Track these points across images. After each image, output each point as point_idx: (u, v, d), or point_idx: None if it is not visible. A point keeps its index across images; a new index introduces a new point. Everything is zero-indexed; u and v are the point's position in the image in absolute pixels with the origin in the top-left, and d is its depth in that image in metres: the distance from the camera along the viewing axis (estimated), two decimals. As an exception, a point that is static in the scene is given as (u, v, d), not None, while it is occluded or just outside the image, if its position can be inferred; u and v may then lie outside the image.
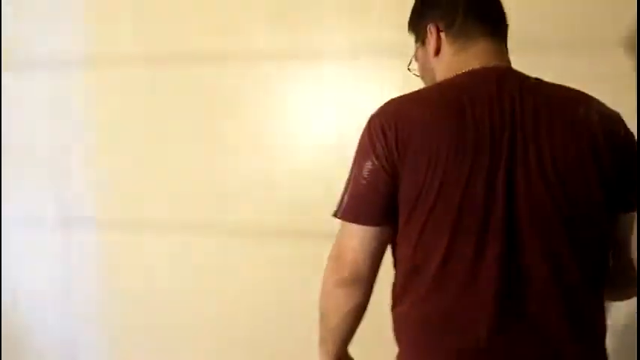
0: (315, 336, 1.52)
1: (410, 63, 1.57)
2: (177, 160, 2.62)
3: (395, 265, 1.38)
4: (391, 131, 1.26)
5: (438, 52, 1.42)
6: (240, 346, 2.63)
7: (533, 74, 1.37)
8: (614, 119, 1.34)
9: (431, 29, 1.43)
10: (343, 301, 1.37)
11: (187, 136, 2.60)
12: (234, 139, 2.55)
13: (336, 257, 1.36)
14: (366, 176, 1.28)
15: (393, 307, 1.38)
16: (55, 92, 2.75)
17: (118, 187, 2.69)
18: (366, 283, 1.35)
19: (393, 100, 1.36)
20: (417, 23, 1.50)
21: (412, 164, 1.25)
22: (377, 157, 1.27)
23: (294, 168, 2.49)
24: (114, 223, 2.73)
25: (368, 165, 1.28)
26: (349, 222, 1.31)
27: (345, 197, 1.32)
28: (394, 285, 1.38)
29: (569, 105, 1.31)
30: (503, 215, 1.22)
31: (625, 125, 1.34)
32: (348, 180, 1.33)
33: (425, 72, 1.50)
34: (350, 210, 1.31)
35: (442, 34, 1.41)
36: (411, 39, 1.56)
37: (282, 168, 2.51)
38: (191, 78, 2.58)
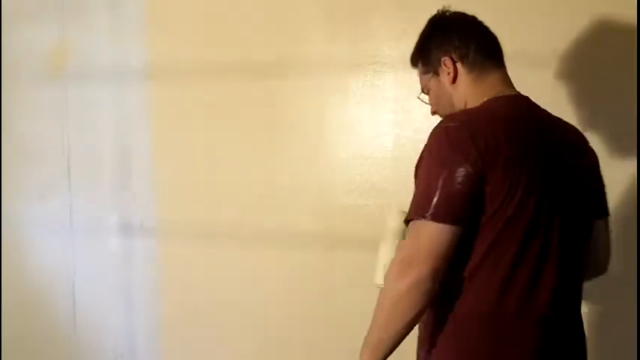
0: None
1: (420, 93, 1.76)
2: (236, 170, 2.66)
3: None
4: (480, 140, 1.39)
5: (454, 81, 1.61)
6: (300, 353, 2.65)
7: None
8: (586, 140, 1.64)
9: (446, 62, 1.61)
10: (420, 300, 1.40)
11: (246, 146, 2.64)
12: (293, 149, 2.58)
13: (413, 255, 1.39)
14: (460, 181, 1.37)
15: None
16: (117, 102, 2.85)
17: (178, 195, 2.76)
18: (438, 279, 1.39)
19: (460, 113, 1.54)
20: (427, 56, 1.68)
21: (499, 172, 1.38)
22: (470, 165, 1.37)
23: (351, 179, 2.50)
24: (173, 231, 2.79)
25: (462, 170, 1.37)
26: (439, 222, 1.37)
27: (435, 199, 1.37)
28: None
29: (570, 129, 1.61)
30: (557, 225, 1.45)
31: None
32: (431, 183, 1.40)
33: (439, 99, 1.68)
34: (441, 211, 1.37)
35: (458, 65, 1.60)
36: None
37: (340, 179, 2.52)
38: (250, 89, 2.61)
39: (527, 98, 1.58)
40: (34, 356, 3.08)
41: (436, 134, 1.47)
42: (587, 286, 2.07)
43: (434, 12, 2.28)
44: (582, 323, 1.60)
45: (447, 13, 1.68)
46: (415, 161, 2.28)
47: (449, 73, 1.61)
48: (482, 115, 1.48)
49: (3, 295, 3.11)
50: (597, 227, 1.64)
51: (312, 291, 2.59)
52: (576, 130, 1.63)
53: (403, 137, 2.42)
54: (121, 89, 2.84)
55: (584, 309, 1.96)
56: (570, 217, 1.48)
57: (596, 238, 1.64)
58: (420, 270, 1.37)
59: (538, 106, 1.58)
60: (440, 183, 1.39)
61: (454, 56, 1.60)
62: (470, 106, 1.57)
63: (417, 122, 2.39)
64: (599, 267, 1.72)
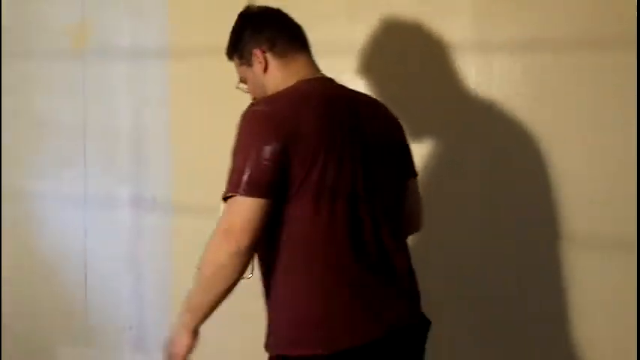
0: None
1: (238, 83, 1.92)
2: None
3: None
4: (284, 121, 1.58)
5: (265, 70, 1.80)
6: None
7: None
8: (389, 111, 1.86)
9: (257, 53, 1.80)
10: (238, 269, 1.57)
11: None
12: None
13: (230, 228, 1.55)
14: (267, 157, 1.54)
15: None
16: (136, 79, 2.90)
17: (192, 172, 2.81)
18: (251, 249, 1.57)
19: (268, 97, 1.73)
20: (240, 50, 1.85)
21: (303, 148, 1.56)
22: (277, 142, 1.54)
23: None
24: (188, 207, 2.84)
25: (268, 149, 1.54)
26: (250, 197, 1.53)
27: (245, 176, 1.54)
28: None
29: (374, 103, 1.86)
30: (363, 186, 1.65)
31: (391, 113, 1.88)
32: (242, 162, 1.56)
33: (256, 87, 1.85)
34: (253, 185, 1.54)
35: (267, 55, 1.79)
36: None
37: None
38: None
39: (331, 79, 1.79)
40: (45, 327, 3.16)
41: (245, 117, 1.63)
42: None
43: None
44: (400, 271, 1.74)
45: (255, 9, 1.88)
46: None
47: (260, 63, 1.80)
48: (287, 96, 1.67)
49: (16, 265, 3.19)
50: (409, 186, 1.91)
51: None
52: (380, 103, 1.86)
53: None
54: (140, 66, 2.89)
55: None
56: (380, 177, 1.71)
57: (409, 195, 1.90)
58: (240, 239, 1.53)
59: (343, 86, 1.80)
60: (249, 161, 1.55)
61: (264, 47, 1.79)
62: (280, 89, 1.73)
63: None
64: (414, 222, 1.97)
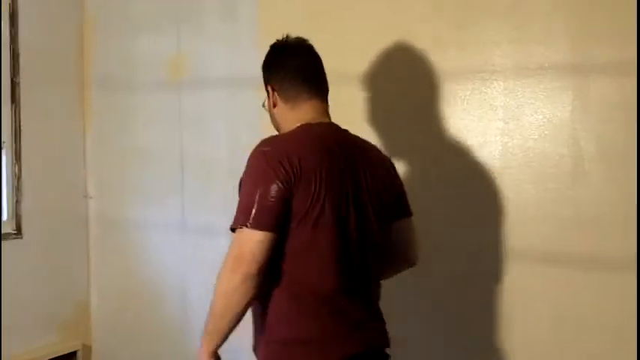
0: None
1: (264, 102, 2.05)
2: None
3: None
4: (288, 162, 1.74)
5: (274, 105, 1.98)
6: None
7: None
8: (385, 156, 2.06)
9: (269, 89, 1.98)
10: (249, 293, 1.73)
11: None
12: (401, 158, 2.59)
13: (239, 257, 1.72)
14: (274, 194, 1.72)
15: None
16: (230, 108, 2.98)
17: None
18: (260, 276, 1.72)
19: (274, 139, 1.87)
20: (263, 78, 2.02)
21: (304, 187, 1.74)
22: (281, 182, 1.72)
23: (456, 190, 2.53)
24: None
25: (274, 187, 1.72)
26: (257, 230, 1.71)
27: (254, 211, 1.71)
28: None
29: (370, 148, 2.00)
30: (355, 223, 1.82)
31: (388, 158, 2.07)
32: (251, 198, 1.73)
33: (270, 116, 2.03)
34: (261, 219, 1.71)
35: (276, 94, 1.96)
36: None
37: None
38: (355, 94, 2.68)
39: (333, 125, 1.94)
40: (144, 354, 3.28)
41: (254, 156, 1.81)
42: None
43: (547, 19, 2.33)
44: (374, 302, 1.95)
45: (285, 43, 2.00)
46: (524, 170, 2.31)
47: (270, 98, 1.99)
48: (292, 139, 1.84)
49: (114, 291, 3.33)
50: (400, 226, 2.02)
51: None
52: (375, 148, 2.04)
53: (512, 146, 2.42)
54: (234, 96, 2.97)
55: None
56: (370, 217, 1.87)
57: (402, 233, 2.04)
58: (248, 267, 1.70)
59: (346, 132, 1.95)
60: (257, 197, 1.73)
61: (274, 85, 1.97)
62: (285, 128, 1.93)
63: (527, 130, 2.40)
64: (405, 259, 2.10)
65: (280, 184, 1.73)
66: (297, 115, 1.93)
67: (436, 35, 2.54)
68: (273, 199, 1.72)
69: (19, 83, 3.12)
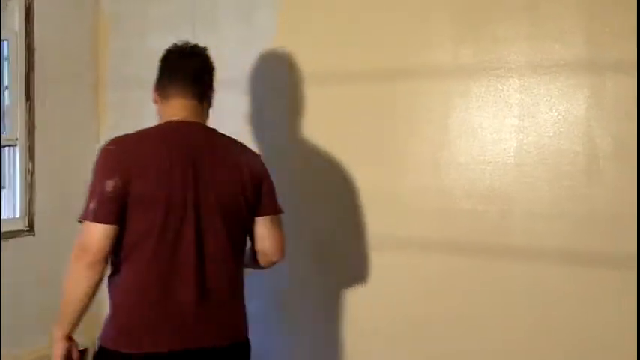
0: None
1: None
2: (357, 172, 2.78)
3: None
4: (125, 158, 1.94)
5: (155, 102, 2.17)
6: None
7: None
8: (256, 160, 2.18)
9: (153, 87, 2.18)
10: (91, 279, 1.92)
11: (368, 148, 2.75)
12: (414, 152, 2.66)
13: (82, 247, 1.91)
14: (110, 190, 1.90)
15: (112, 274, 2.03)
16: (243, 109, 3.02)
17: (299, 195, 2.90)
18: (105, 264, 1.94)
19: (121, 137, 2.03)
20: None
21: (141, 181, 1.92)
22: (118, 178, 1.90)
23: (472, 184, 2.55)
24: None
25: (111, 182, 1.90)
26: (97, 222, 1.90)
27: (91, 205, 1.91)
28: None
29: (231, 150, 2.12)
30: (194, 213, 1.97)
31: (262, 161, 2.20)
32: (93, 193, 1.93)
33: None
34: (100, 213, 1.90)
35: (157, 93, 2.16)
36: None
37: (460, 184, 2.58)
38: (373, 92, 2.72)
39: (196, 124, 2.09)
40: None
41: (100, 154, 1.99)
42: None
43: (562, 16, 2.35)
44: (239, 300, 2.13)
45: (174, 48, 2.19)
46: (539, 167, 2.34)
47: (155, 98, 2.17)
48: (138, 136, 2.03)
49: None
50: (260, 223, 2.16)
51: (435, 295, 2.66)
52: (240, 149, 2.16)
53: (527, 143, 2.44)
54: (251, 96, 3.00)
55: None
56: (211, 213, 2.00)
57: (259, 231, 2.17)
58: (89, 256, 1.89)
59: (205, 131, 2.11)
60: (97, 193, 1.92)
61: (156, 83, 2.17)
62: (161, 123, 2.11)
63: (542, 128, 2.42)
64: (265, 254, 2.20)
65: (117, 181, 1.91)
66: (166, 112, 2.12)
67: (453, 32, 2.57)
68: (110, 195, 1.90)
69: (33, 79, 3.16)
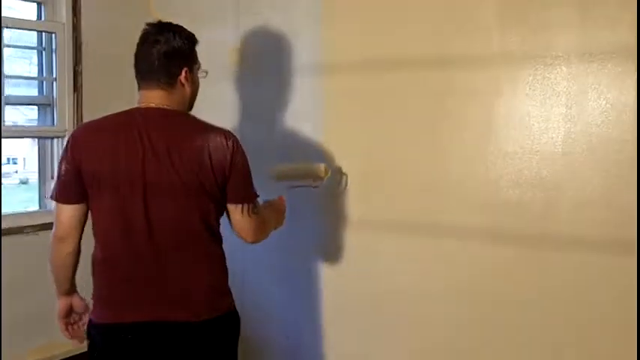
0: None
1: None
2: (404, 161, 2.83)
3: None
4: (75, 144, 2.13)
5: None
6: (437, 348, 2.79)
7: None
8: (224, 147, 2.16)
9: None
10: (61, 251, 2.22)
11: (415, 137, 2.79)
12: (461, 141, 2.69)
13: (54, 224, 2.20)
14: (63, 172, 2.14)
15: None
16: (290, 95, 3.08)
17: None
18: (73, 238, 2.20)
19: (83, 124, 2.36)
20: None
21: (89, 163, 2.10)
22: (68, 162, 2.13)
23: (518, 175, 2.57)
24: (338, 220, 3.02)
25: (63, 166, 2.14)
26: (60, 203, 2.16)
27: (56, 186, 2.17)
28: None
29: (191, 134, 2.15)
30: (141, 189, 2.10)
31: (234, 148, 2.18)
32: (57, 175, 2.19)
33: None
34: (59, 195, 2.16)
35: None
36: None
37: (507, 172, 2.60)
38: (420, 80, 2.76)
39: (159, 109, 2.17)
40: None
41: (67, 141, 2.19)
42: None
43: (610, 3, 2.36)
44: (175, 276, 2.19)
45: (143, 31, 2.24)
46: (587, 156, 2.36)
47: None
48: (97, 122, 2.20)
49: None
50: (229, 209, 2.25)
51: (478, 287, 2.69)
52: (208, 136, 2.16)
53: (575, 132, 2.46)
54: (294, 83, 3.08)
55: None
56: (165, 195, 2.10)
57: (230, 217, 2.26)
58: (56, 230, 2.20)
59: (172, 116, 2.18)
60: (56, 175, 2.19)
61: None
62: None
63: (590, 117, 2.43)
64: (241, 237, 2.31)
65: (68, 164, 2.13)
66: (140, 98, 2.23)
67: (499, 19, 2.58)
68: (64, 177, 2.14)
69: (81, 72, 3.26)
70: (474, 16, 2.64)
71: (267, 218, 2.40)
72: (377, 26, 2.85)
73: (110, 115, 2.20)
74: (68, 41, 3.21)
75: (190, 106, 2.32)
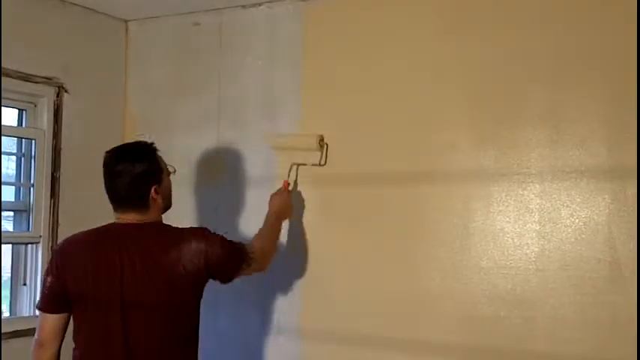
0: None
1: None
2: (380, 274, 2.86)
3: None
4: (60, 260, 2.37)
5: None
6: None
7: None
8: (195, 248, 2.31)
9: None
10: (40, 356, 2.35)
11: (390, 251, 2.85)
12: (436, 255, 2.74)
13: (37, 331, 2.36)
14: (48, 285, 2.35)
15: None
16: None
17: (321, 303, 3.00)
18: (50, 345, 2.35)
19: (68, 238, 2.48)
20: None
21: (73, 278, 2.31)
22: (53, 276, 2.34)
23: (493, 291, 2.62)
24: (317, 339, 3.03)
25: (49, 279, 2.35)
26: (42, 311, 2.35)
27: (40, 297, 2.40)
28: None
29: (165, 246, 2.31)
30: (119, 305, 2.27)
31: (203, 247, 2.33)
32: (42, 287, 2.42)
33: None
34: (43, 304, 2.36)
35: None
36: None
37: (482, 288, 2.65)
38: (396, 195, 2.84)
39: (134, 225, 2.34)
40: None
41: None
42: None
43: (582, 122, 2.47)
44: None
45: (105, 160, 2.41)
46: (561, 274, 2.41)
47: None
48: (78, 237, 2.43)
49: None
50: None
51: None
52: (180, 243, 2.31)
53: (549, 249, 2.52)
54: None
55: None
56: (149, 296, 2.28)
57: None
58: (38, 336, 2.36)
59: (146, 230, 2.34)
60: (42, 285, 2.40)
61: None
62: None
63: (564, 234, 2.51)
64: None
65: (52, 278, 2.35)
66: (116, 215, 2.40)
67: (474, 137, 2.69)
68: (47, 289, 2.36)
69: (59, 178, 3.33)
70: (448, 134, 2.75)
71: (265, 249, 2.65)
72: (354, 143, 2.96)
73: (90, 230, 2.41)
74: (48, 147, 3.28)
75: (167, 206, 2.49)
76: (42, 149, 3.28)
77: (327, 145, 2.99)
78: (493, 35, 2.69)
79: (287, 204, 2.90)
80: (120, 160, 2.36)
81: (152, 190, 2.36)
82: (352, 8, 3.00)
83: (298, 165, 3.03)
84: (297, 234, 3.06)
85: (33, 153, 3.30)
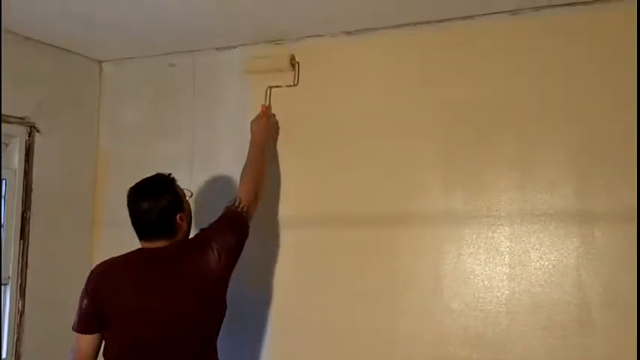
0: None
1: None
2: (352, 317, 2.90)
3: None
4: (95, 282, 2.50)
5: None
6: None
7: None
8: (207, 258, 2.56)
9: None
10: None
11: (361, 294, 2.89)
12: (408, 297, 2.79)
13: (72, 350, 2.48)
14: (84, 307, 2.48)
15: None
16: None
17: (290, 352, 3.03)
18: None
19: (103, 262, 2.59)
20: None
21: (108, 298, 2.46)
22: (89, 297, 2.47)
23: (464, 333, 2.67)
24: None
25: (85, 301, 2.48)
26: (78, 332, 2.46)
27: (75, 318, 2.49)
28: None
29: (183, 261, 2.54)
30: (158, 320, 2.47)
31: (216, 255, 2.56)
32: (78, 308, 2.50)
33: None
34: (79, 326, 2.47)
35: None
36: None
37: (454, 331, 2.69)
38: (366, 239, 2.90)
39: (160, 249, 2.52)
40: None
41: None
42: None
43: (551, 166, 2.54)
44: None
45: (133, 189, 2.59)
46: (531, 316, 2.46)
47: None
48: (114, 261, 2.56)
49: None
50: None
51: None
52: (197, 253, 2.56)
53: (519, 291, 2.58)
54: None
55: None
56: (180, 310, 2.47)
57: None
58: (74, 356, 2.46)
59: (170, 253, 2.53)
60: (79, 308, 2.50)
61: None
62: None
63: (533, 277, 2.57)
64: None
65: (89, 300, 2.47)
66: (143, 243, 2.58)
67: (444, 180, 2.76)
68: (84, 311, 2.48)
69: (29, 219, 3.34)
70: (420, 177, 2.81)
71: (254, 190, 2.84)
72: (325, 184, 3.02)
73: (120, 255, 2.58)
74: (19, 187, 3.28)
75: (190, 224, 2.67)
76: (12, 189, 3.28)
77: (298, 63, 3.12)
78: (465, 83, 2.78)
79: (268, 128, 3.06)
80: (145, 197, 2.55)
81: (177, 218, 2.56)
82: (325, 51, 3.08)
83: (272, 88, 3.17)
84: (268, 275, 3.10)
85: (3, 193, 3.30)
